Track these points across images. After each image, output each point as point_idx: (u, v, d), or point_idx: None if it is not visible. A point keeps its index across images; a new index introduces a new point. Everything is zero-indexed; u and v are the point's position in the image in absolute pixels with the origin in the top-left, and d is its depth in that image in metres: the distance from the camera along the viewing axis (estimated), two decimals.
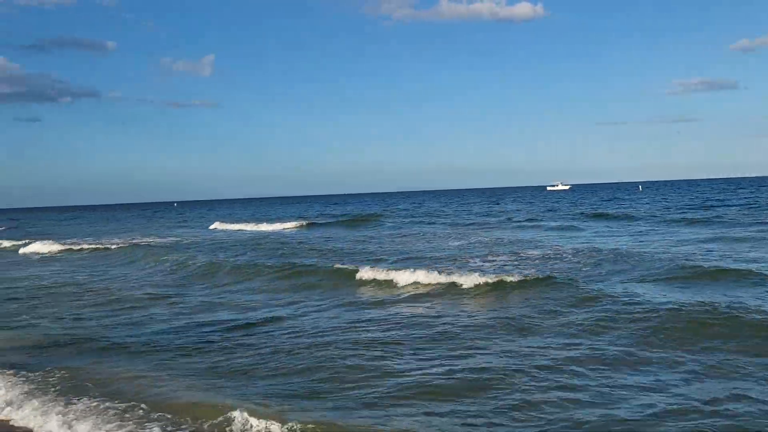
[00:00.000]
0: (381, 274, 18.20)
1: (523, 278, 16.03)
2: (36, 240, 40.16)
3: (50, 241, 38.43)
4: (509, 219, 46.35)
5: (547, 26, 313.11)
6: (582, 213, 48.91)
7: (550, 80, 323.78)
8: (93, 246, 35.24)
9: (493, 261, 21.61)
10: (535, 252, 23.26)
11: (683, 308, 11.83)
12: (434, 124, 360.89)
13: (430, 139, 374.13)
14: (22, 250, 36.72)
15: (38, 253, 34.87)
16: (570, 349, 9.99)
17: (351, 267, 19.93)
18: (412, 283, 17.13)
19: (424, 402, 8.00)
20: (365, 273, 18.61)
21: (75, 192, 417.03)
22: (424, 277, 17.23)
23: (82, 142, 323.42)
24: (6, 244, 41.39)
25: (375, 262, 22.56)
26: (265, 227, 50.83)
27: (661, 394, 7.88)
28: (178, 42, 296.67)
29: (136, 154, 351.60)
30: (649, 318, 11.51)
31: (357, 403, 8.08)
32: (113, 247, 33.82)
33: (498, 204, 79.54)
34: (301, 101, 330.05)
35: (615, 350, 9.81)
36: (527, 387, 8.37)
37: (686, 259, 18.62)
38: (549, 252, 22.97)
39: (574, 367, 9.05)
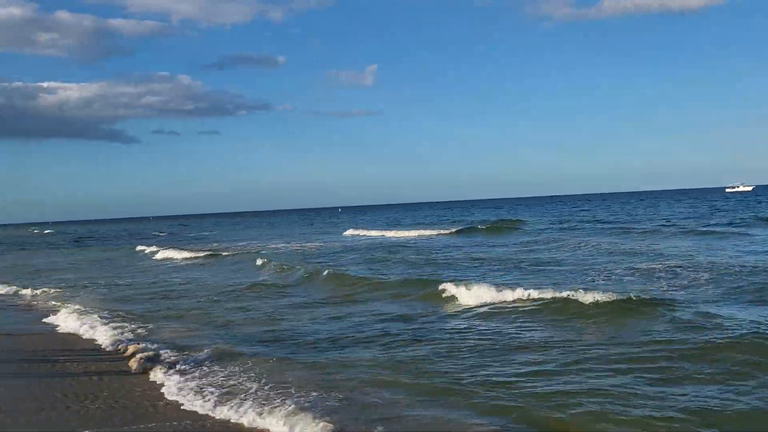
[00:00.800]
0: (485, 291, 15.59)
1: (645, 298, 12.97)
2: (170, 247, 41.73)
3: (184, 248, 39.55)
4: (669, 223, 40.97)
5: (726, 14, 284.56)
6: (756, 216, 42.46)
7: (731, 73, 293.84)
8: (232, 252, 35.59)
9: (624, 274, 18.17)
10: (686, 264, 19.38)
11: None
12: (600, 127, 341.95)
13: (598, 142, 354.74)
14: (159, 255, 38.05)
15: (173, 259, 35.60)
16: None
17: (432, 279, 17.62)
18: (521, 298, 14.63)
19: None
20: (452, 287, 16.14)
21: (247, 199, 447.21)
22: (534, 292, 14.65)
23: (255, 152, 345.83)
24: (147, 249, 43.32)
25: (492, 273, 20.35)
26: (402, 234, 48.95)
27: None
28: (342, 54, 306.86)
29: (305, 163, 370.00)
30: None
31: None
32: (231, 253, 33.75)
33: (658, 207, 72.30)
34: (461, 106, 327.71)
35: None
36: None
37: None
38: (708, 265, 19.00)
39: None
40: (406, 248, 33.22)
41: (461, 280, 16.86)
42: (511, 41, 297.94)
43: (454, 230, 47.99)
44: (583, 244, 28.73)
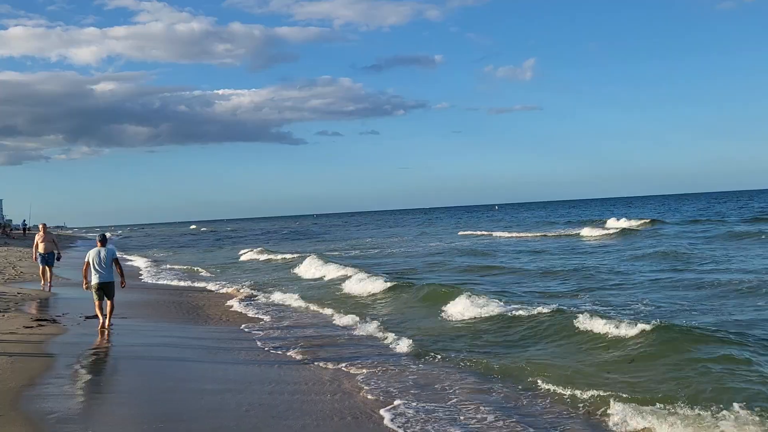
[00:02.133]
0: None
1: None
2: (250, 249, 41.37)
3: (272, 251, 38.44)
4: None
5: None
6: None
7: None
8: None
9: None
10: None
11: None
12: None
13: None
14: (244, 257, 37.38)
15: (257, 260, 34.84)
16: None
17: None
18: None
19: None
20: None
21: (406, 197, 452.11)
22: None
23: (413, 151, 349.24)
24: (242, 251, 42.85)
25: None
26: (514, 234, 44.76)
27: None
28: (499, 49, 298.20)
29: (463, 160, 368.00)
30: None
31: None
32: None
33: None
34: (625, 98, 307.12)
35: None
36: None
37: None
38: None
39: None
40: (498, 252, 29.72)
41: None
42: (685, 23, 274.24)
43: (577, 232, 43.26)
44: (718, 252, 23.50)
